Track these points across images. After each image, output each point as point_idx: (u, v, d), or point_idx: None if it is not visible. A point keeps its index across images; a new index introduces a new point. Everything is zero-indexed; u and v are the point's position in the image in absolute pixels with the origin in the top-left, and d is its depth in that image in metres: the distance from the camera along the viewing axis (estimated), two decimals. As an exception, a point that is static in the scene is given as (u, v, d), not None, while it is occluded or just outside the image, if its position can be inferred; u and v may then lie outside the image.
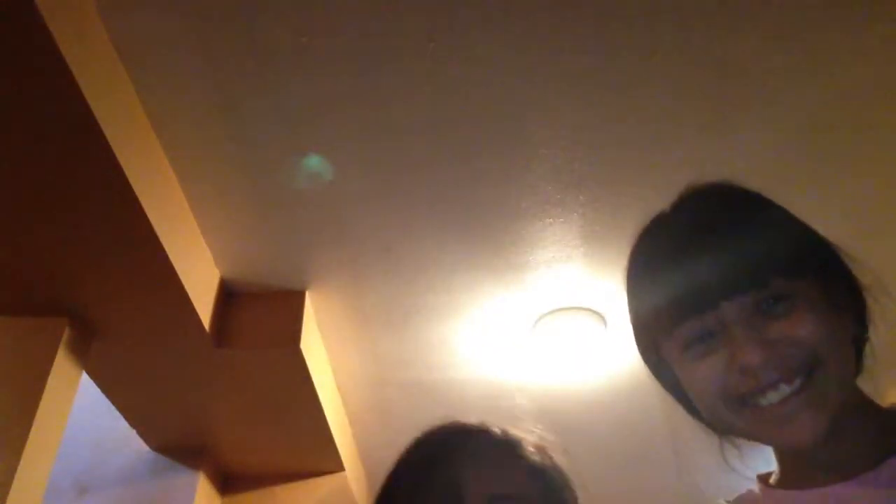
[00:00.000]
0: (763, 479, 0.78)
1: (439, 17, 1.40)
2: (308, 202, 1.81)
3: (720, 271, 0.68)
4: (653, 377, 0.81)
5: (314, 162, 1.69)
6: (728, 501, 0.80)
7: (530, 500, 0.72)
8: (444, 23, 1.41)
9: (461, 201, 1.82)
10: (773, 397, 0.66)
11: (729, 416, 0.70)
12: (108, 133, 1.35)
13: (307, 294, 2.10)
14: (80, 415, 2.14)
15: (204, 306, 1.88)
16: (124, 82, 1.47)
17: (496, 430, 0.77)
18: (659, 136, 1.66)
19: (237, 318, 2.04)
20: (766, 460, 0.77)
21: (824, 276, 0.70)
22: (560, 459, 0.77)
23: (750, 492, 0.79)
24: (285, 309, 2.06)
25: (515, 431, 0.77)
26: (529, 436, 0.77)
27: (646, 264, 0.76)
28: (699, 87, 1.55)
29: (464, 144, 1.67)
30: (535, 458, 0.75)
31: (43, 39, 1.18)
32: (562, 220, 1.87)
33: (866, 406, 0.73)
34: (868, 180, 1.79)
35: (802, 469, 0.72)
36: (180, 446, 2.30)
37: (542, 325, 2.24)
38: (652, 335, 0.75)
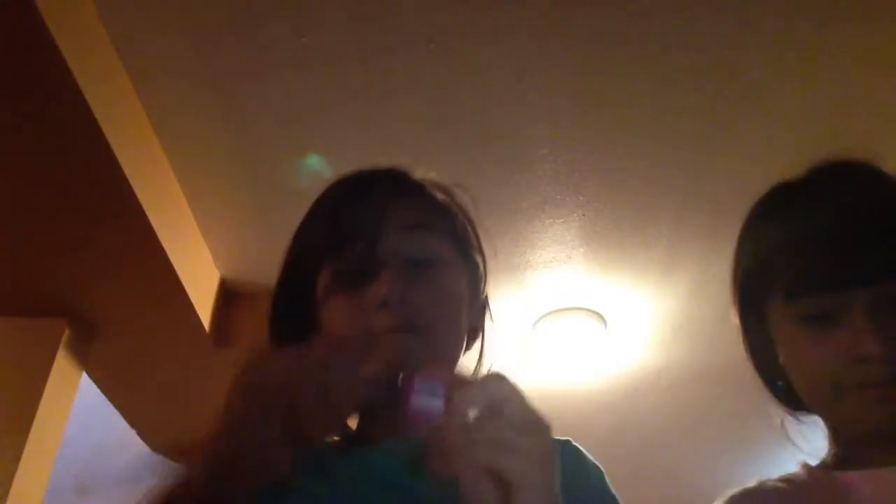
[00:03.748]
0: (807, 466, 0.75)
1: (439, 17, 1.40)
2: (308, 202, 1.80)
3: (868, 256, 0.66)
4: (741, 333, 0.78)
5: (314, 161, 1.69)
6: (776, 479, 0.76)
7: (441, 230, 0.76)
8: (444, 23, 1.41)
9: (461, 201, 1.82)
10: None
11: (833, 400, 0.68)
12: (108, 133, 1.35)
13: (307, 294, 2.09)
14: (80, 415, 2.15)
15: (204, 306, 1.88)
16: (124, 82, 1.48)
17: (403, 171, 0.82)
18: (659, 137, 1.66)
19: (237, 318, 2.04)
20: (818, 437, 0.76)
21: None
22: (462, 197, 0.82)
23: (796, 474, 0.76)
24: (285, 309, 2.06)
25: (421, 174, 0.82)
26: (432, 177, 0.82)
27: (785, 227, 0.73)
28: (699, 87, 1.55)
29: (464, 144, 1.67)
30: (442, 197, 0.80)
31: (43, 39, 1.18)
32: (562, 220, 1.87)
33: None
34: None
35: (866, 449, 0.70)
36: (180, 446, 2.30)
37: (542, 325, 2.23)
38: (763, 294, 0.73)
